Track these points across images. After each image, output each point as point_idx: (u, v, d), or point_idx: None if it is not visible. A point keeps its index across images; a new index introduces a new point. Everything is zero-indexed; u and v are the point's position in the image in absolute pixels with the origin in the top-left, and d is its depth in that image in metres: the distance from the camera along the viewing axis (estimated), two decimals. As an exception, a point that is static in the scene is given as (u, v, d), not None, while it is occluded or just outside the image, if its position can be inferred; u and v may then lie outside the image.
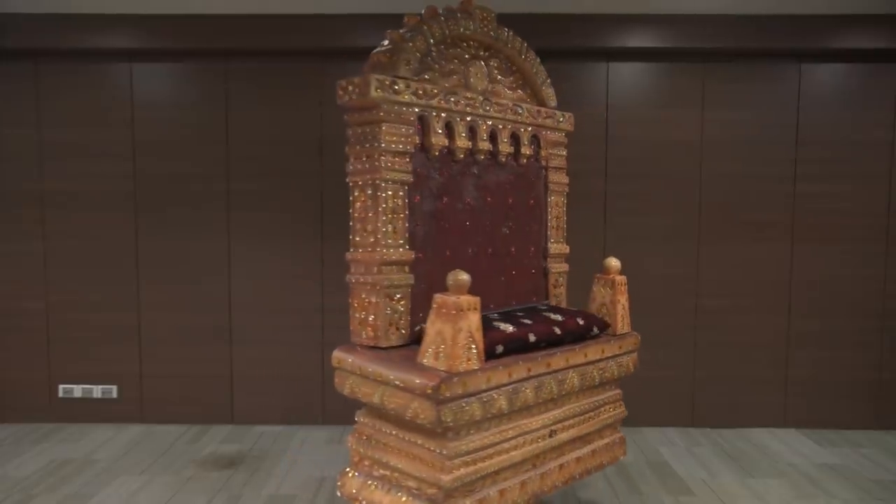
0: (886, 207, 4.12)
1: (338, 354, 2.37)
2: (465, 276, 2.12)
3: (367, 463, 2.37)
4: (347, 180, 2.38)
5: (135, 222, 4.19)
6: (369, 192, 2.32)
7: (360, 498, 2.35)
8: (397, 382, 2.17)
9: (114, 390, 4.23)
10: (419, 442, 2.22)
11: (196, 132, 4.15)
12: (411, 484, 2.23)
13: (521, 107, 2.90)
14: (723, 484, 3.41)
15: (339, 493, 2.44)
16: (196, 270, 4.20)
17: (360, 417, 2.43)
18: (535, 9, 3.88)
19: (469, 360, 2.14)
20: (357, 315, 2.39)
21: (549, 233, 3.06)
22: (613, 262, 2.83)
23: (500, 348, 2.30)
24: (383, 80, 2.31)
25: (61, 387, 4.24)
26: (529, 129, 2.94)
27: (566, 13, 3.93)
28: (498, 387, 2.24)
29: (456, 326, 2.11)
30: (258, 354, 4.22)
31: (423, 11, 2.63)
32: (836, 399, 4.20)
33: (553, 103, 3.09)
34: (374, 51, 2.40)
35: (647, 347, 4.08)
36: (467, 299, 2.12)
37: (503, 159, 2.84)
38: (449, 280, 2.13)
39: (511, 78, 2.92)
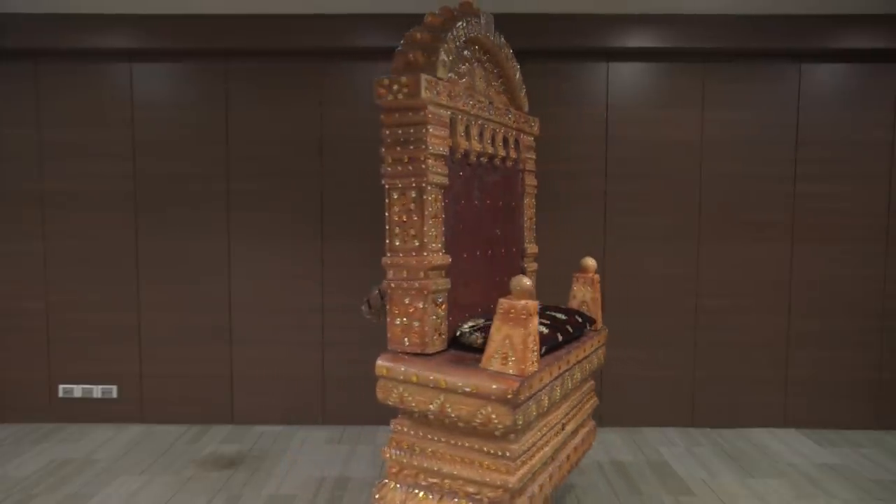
0: (886, 207, 4.12)
1: (385, 364, 2.28)
2: (528, 282, 2.16)
3: (409, 472, 2.32)
4: (384, 183, 2.31)
5: (134, 222, 4.19)
6: (413, 195, 2.27)
7: None
8: (467, 389, 2.15)
9: (114, 390, 4.23)
10: (477, 446, 2.22)
11: (196, 132, 4.15)
12: (470, 489, 2.22)
13: (510, 111, 2.98)
14: (723, 484, 3.41)
15: None
16: (196, 270, 4.20)
17: (397, 427, 2.36)
18: (535, 9, 3.88)
19: (533, 362, 2.19)
20: (399, 322, 2.32)
21: (525, 233, 3.17)
22: (591, 262, 3.00)
23: (543, 349, 2.37)
24: (430, 81, 2.26)
25: (61, 387, 4.24)
26: (514, 132, 3.02)
27: (566, 13, 3.93)
28: (544, 386, 2.31)
29: (525, 331, 2.14)
30: (258, 354, 4.22)
31: (436, 11, 2.62)
32: (836, 399, 4.20)
33: (526, 108, 3.19)
34: (402, 50, 2.32)
35: (647, 347, 4.14)
36: (533, 304, 2.15)
37: (497, 162, 2.88)
38: (514, 285, 2.15)
39: (498, 82, 2.98)
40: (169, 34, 3.99)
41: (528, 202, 3.21)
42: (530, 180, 3.20)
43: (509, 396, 2.08)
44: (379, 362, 2.28)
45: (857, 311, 4.16)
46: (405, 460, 2.32)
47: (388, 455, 2.36)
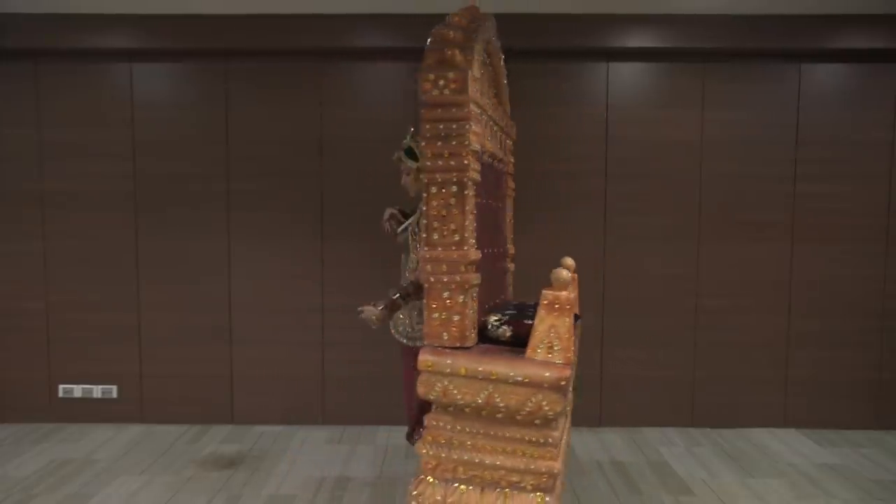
0: (886, 207, 4.12)
1: (430, 358, 2.27)
2: (567, 274, 2.24)
3: (447, 467, 2.32)
4: (424, 177, 2.30)
5: (135, 222, 4.19)
6: (454, 190, 2.28)
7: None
8: (519, 378, 2.18)
9: (114, 390, 4.23)
10: (518, 436, 2.26)
11: (196, 132, 4.15)
12: (513, 478, 2.26)
13: (504, 114, 3.05)
14: (723, 484, 3.41)
15: None
16: (196, 270, 4.20)
17: (433, 422, 2.35)
18: (535, 9, 3.88)
19: (572, 351, 2.29)
20: (437, 316, 2.31)
21: (507, 235, 3.25)
22: (569, 261, 3.07)
23: None
24: (473, 78, 2.28)
25: (61, 387, 4.24)
26: (505, 135, 3.09)
27: (566, 13, 3.93)
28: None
29: (568, 321, 2.23)
30: (258, 354, 4.22)
31: (459, 11, 2.63)
32: (836, 399, 4.20)
33: (509, 112, 3.27)
34: (435, 48, 2.29)
35: (647, 347, 4.14)
36: (573, 295, 2.23)
37: (496, 164, 2.91)
38: (555, 277, 2.24)
39: (492, 85, 3.03)
40: (169, 34, 3.99)
41: (510, 204, 3.31)
42: (511, 183, 3.33)
43: (562, 384, 2.16)
44: (422, 357, 2.27)
45: (857, 311, 4.16)
46: (443, 455, 2.32)
47: (424, 451, 2.35)
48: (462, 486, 2.30)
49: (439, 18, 2.85)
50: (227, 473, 3.51)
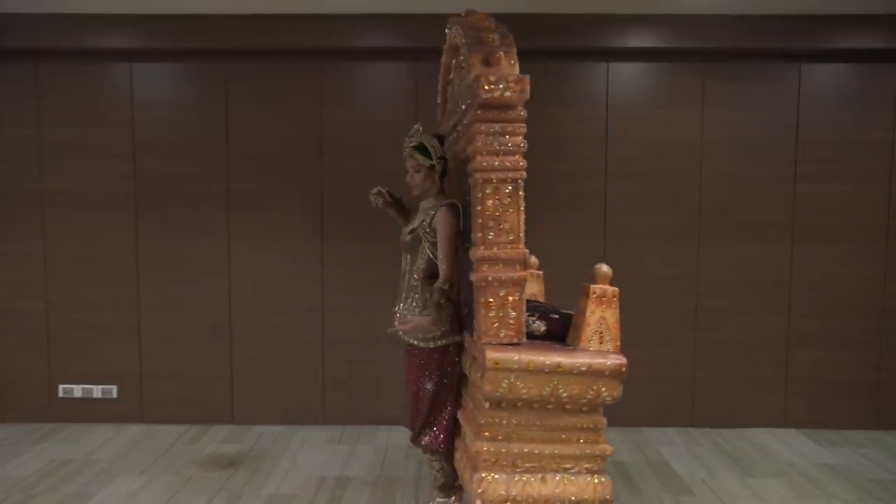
0: (886, 207, 4.12)
1: (497, 356, 2.31)
2: (607, 268, 2.43)
3: (506, 462, 2.41)
4: (478, 176, 2.34)
5: (135, 222, 4.19)
6: (508, 189, 2.34)
7: (514, 497, 2.38)
8: (583, 368, 2.32)
9: (114, 390, 4.23)
10: (571, 424, 2.40)
11: (196, 132, 4.15)
12: (568, 465, 2.40)
13: None
14: (723, 484, 3.41)
15: (479, 502, 2.37)
16: (196, 270, 4.19)
17: (490, 419, 2.40)
18: (535, 9, 3.88)
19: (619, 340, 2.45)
20: (491, 314, 2.37)
21: None
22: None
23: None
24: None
25: (61, 387, 4.24)
26: None
27: (566, 13, 3.93)
28: None
29: (616, 313, 2.40)
30: (258, 354, 4.22)
31: (466, 13, 2.66)
32: (836, 399, 4.20)
33: None
34: (477, 49, 2.35)
35: (647, 347, 4.13)
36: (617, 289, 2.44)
37: None
38: (600, 273, 2.41)
39: None
40: (169, 34, 3.99)
41: None
42: None
43: (623, 370, 2.32)
44: (490, 355, 2.31)
45: (857, 311, 4.16)
46: (503, 450, 2.41)
47: (484, 447, 2.39)
48: (523, 478, 2.40)
49: (440, 18, 2.89)
50: (227, 473, 3.51)
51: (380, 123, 4.09)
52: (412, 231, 2.76)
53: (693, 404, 4.22)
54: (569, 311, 2.59)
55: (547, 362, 2.31)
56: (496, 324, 2.36)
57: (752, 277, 4.16)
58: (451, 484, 2.95)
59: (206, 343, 4.22)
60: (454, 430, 2.78)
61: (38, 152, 4.15)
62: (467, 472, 2.51)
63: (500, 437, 2.40)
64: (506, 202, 2.34)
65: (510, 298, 2.36)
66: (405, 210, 3.04)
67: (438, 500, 2.94)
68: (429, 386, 2.71)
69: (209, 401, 4.24)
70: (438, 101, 3.19)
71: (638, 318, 4.12)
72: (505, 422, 2.40)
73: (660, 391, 4.20)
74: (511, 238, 2.34)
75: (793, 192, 4.12)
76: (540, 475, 2.40)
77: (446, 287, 2.63)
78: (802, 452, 3.84)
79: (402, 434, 3.94)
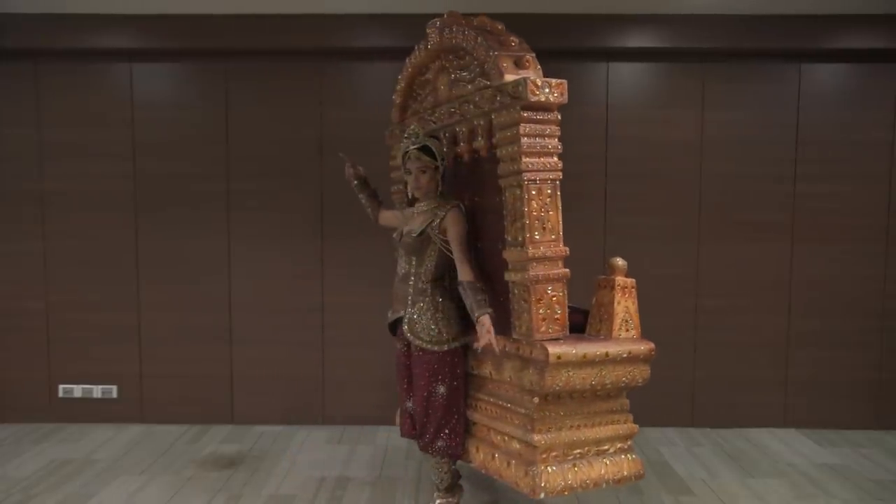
0: (886, 207, 4.12)
1: (557, 350, 2.38)
2: (622, 260, 2.62)
3: (557, 453, 2.51)
4: (524, 178, 2.38)
5: (135, 222, 4.18)
6: (548, 190, 2.42)
7: (570, 484, 2.48)
8: (625, 355, 2.48)
9: (114, 390, 4.23)
10: (605, 408, 2.57)
11: (196, 132, 4.14)
12: (605, 447, 2.57)
13: None
14: (723, 484, 3.41)
15: (543, 495, 2.43)
16: (196, 270, 4.19)
17: (541, 413, 2.47)
18: (535, 9, 3.87)
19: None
20: (541, 311, 2.43)
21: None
22: (620, 260, 3.26)
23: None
24: None
25: (61, 387, 4.24)
26: None
27: (566, 13, 3.92)
28: None
29: (636, 301, 2.61)
30: (258, 354, 4.21)
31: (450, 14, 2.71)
32: (836, 399, 4.20)
33: None
34: (505, 54, 2.43)
35: None
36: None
37: None
38: (619, 266, 2.60)
39: None
40: (169, 34, 3.99)
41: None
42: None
43: (653, 354, 2.55)
44: (551, 350, 2.37)
45: (857, 311, 4.15)
46: (556, 441, 2.50)
47: (541, 441, 2.45)
48: (574, 465, 2.52)
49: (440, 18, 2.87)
50: (227, 473, 3.51)
51: (379, 123, 4.00)
52: (419, 233, 2.70)
53: (693, 404, 4.22)
54: (575, 305, 2.68)
55: (598, 353, 2.44)
56: (544, 321, 2.42)
57: (751, 277, 4.15)
58: (456, 483, 2.95)
59: (206, 343, 4.21)
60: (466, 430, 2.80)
61: (38, 152, 4.15)
62: (512, 469, 2.55)
63: (552, 430, 2.50)
64: (547, 202, 2.41)
65: (556, 295, 2.43)
66: (376, 200, 3.15)
67: (440, 500, 2.93)
68: (441, 390, 2.69)
69: (209, 401, 4.23)
70: (397, 101, 3.19)
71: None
72: (554, 414, 2.49)
73: (659, 391, 4.11)
74: (553, 237, 2.42)
75: (792, 192, 4.11)
76: (586, 460, 2.54)
77: (481, 298, 2.55)
78: (802, 452, 3.84)
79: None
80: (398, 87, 3.12)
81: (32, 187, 4.16)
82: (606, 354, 2.44)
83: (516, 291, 2.45)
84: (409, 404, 2.86)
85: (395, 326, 2.87)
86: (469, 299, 2.54)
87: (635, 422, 2.65)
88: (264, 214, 4.16)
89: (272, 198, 4.16)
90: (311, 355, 4.23)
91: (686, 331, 4.17)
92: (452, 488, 2.94)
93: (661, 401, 4.18)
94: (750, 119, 4.10)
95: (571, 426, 2.52)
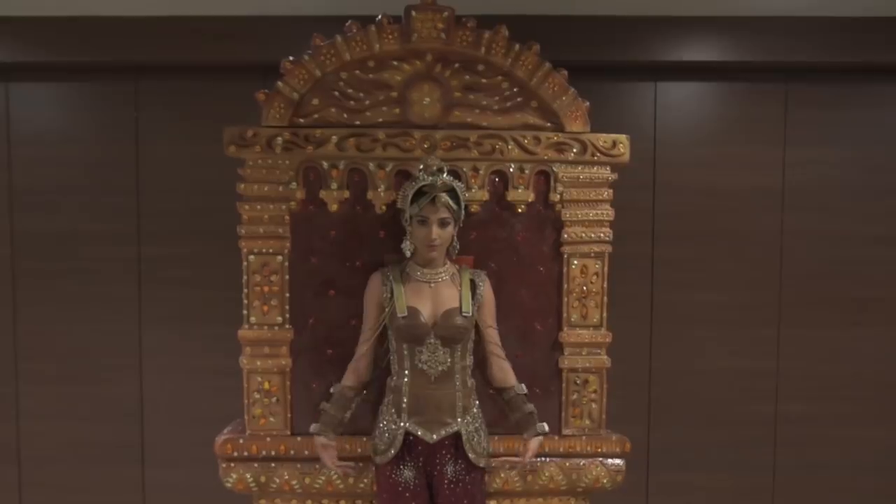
0: None
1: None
2: None
3: None
4: (605, 249, 2.39)
5: (12, 299, 3.48)
6: (598, 265, 2.46)
7: None
8: None
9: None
10: None
11: (94, 176, 3.49)
12: None
13: None
14: None
15: None
16: (94, 366, 3.52)
17: None
18: (558, 10, 3.21)
19: None
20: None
21: None
22: None
23: None
24: None
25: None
26: None
27: (600, 16, 3.25)
28: None
29: None
30: (179, 479, 3.48)
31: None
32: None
33: None
34: (579, 107, 2.35)
35: (707, 471, 3.54)
36: None
37: None
38: None
39: None
40: (57, 43, 3.34)
41: None
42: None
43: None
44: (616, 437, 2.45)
45: None
46: None
47: None
48: None
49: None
50: None
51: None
52: (464, 314, 2.22)
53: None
54: None
55: None
56: (578, 409, 2.43)
57: (852, 373, 3.50)
58: None
59: (109, 464, 3.51)
60: None
61: None
62: None
63: None
64: (593, 279, 2.42)
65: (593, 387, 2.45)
66: (351, 401, 2.42)
67: None
68: None
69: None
70: (293, 96, 2.49)
71: (694, 432, 3.46)
72: None
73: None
74: (596, 320, 2.43)
75: (908, 259, 3.45)
76: None
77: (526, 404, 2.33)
78: None
79: None
80: (299, 73, 2.46)
81: None
82: None
83: (578, 381, 2.41)
84: None
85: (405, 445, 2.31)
86: (518, 412, 2.29)
87: None
88: (187, 290, 3.47)
89: (198, 265, 3.46)
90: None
91: (762, 447, 3.51)
92: None
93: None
94: (850, 158, 3.48)
95: None
